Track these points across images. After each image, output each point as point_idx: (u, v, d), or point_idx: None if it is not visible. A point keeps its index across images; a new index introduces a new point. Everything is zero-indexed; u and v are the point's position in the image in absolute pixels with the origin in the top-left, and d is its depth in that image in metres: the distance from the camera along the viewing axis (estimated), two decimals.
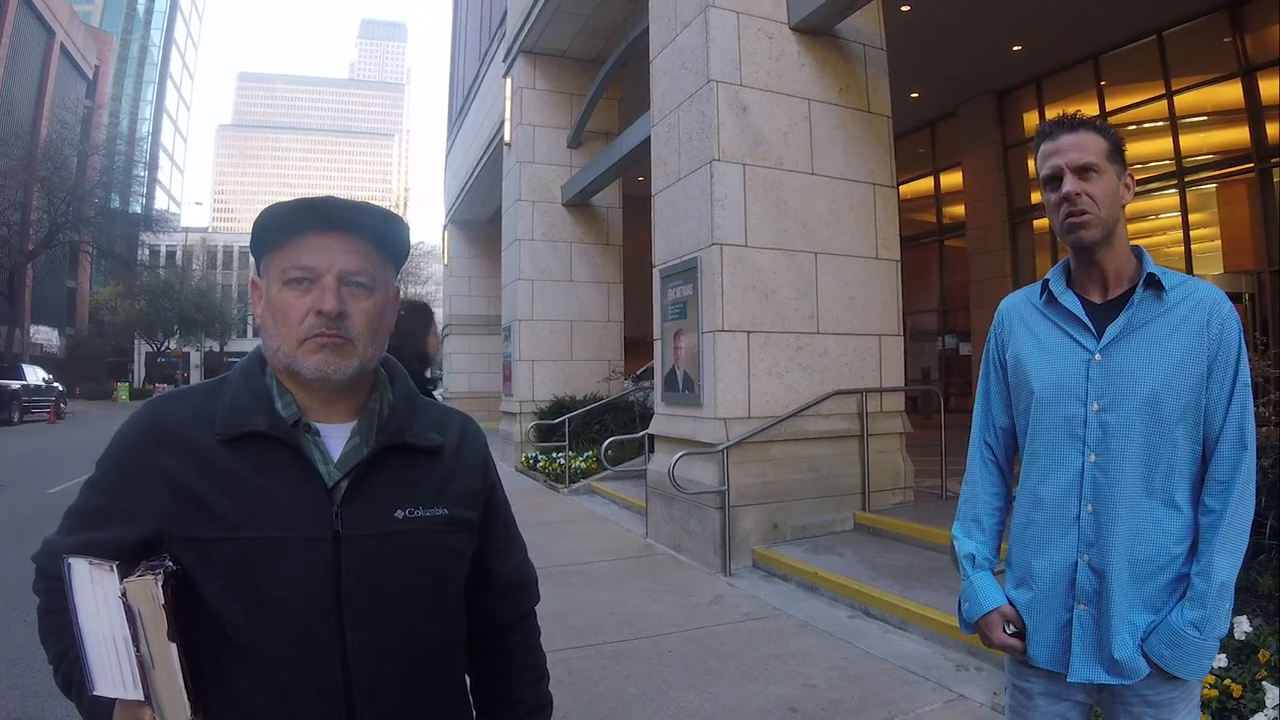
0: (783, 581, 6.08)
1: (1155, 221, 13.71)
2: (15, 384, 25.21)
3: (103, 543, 1.16)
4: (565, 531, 8.13)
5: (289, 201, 1.22)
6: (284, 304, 1.20)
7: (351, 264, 1.22)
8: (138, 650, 1.09)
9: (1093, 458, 1.67)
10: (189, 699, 1.10)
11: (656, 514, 7.62)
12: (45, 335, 48.28)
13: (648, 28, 8.45)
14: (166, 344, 53.71)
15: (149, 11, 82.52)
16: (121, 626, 1.09)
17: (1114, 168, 1.70)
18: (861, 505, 7.06)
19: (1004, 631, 1.77)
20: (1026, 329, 1.82)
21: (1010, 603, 1.79)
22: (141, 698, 1.11)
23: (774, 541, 6.65)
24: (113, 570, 1.11)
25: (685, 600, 5.66)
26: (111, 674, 1.12)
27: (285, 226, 1.22)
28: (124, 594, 1.08)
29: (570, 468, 11.28)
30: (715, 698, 3.94)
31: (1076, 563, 1.68)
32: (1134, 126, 12.88)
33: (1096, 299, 1.75)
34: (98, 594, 1.11)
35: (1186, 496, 1.66)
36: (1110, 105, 13.15)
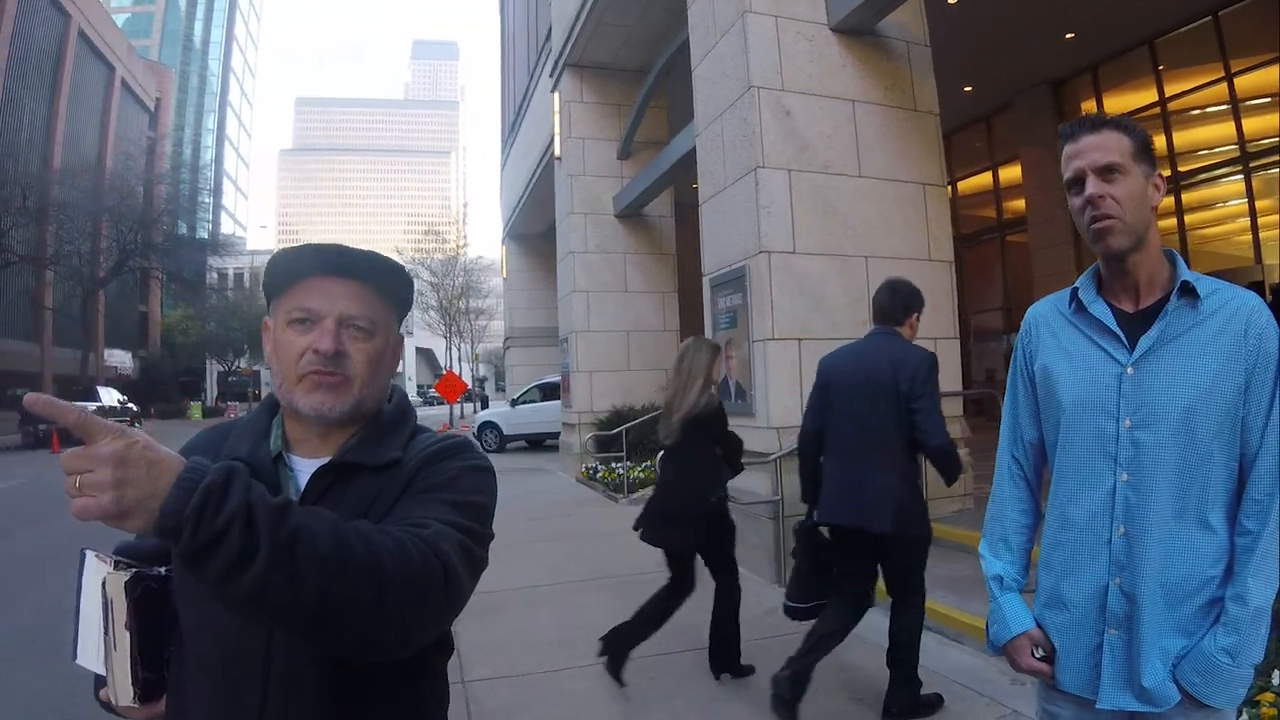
0: None
1: (1221, 210, 13.10)
2: (91, 405, 25.86)
3: (134, 547, 1.32)
4: (624, 543, 8.09)
5: (297, 247, 1.29)
6: (286, 343, 1.27)
7: (352, 308, 1.28)
8: (105, 633, 1.20)
9: (1125, 476, 1.59)
10: (134, 686, 1.20)
11: None
12: (119, 358, 50.02)
13: (689, 37, 8.44)
14: (236, 363, 55.20)
15: (205, 43, 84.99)
16: (101, 611, 1.21)
17: (1140, 167, 1.61)
18: None
19: (1032, 656, 1.72)
20: (1055, 339, 1.74)
21: (1039, 625, 1.73)
22: (104, 673, 1.23)
23: None
24: (108, 562, 1.24)
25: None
26: (92, 651, 1.25)
27: (292, 271, 1.29)
28: (104, 583, 1.20)
29: (629, 478, 11.29)
30: None
31: (1108, 586, 1.61)
32: (1196, 111, 12.42)
33: (1128, 308, 1.66)
34: (93, 581, 1.24)
35: (1221, 517, 1.56)
36: (1169, 90, 12.65)
